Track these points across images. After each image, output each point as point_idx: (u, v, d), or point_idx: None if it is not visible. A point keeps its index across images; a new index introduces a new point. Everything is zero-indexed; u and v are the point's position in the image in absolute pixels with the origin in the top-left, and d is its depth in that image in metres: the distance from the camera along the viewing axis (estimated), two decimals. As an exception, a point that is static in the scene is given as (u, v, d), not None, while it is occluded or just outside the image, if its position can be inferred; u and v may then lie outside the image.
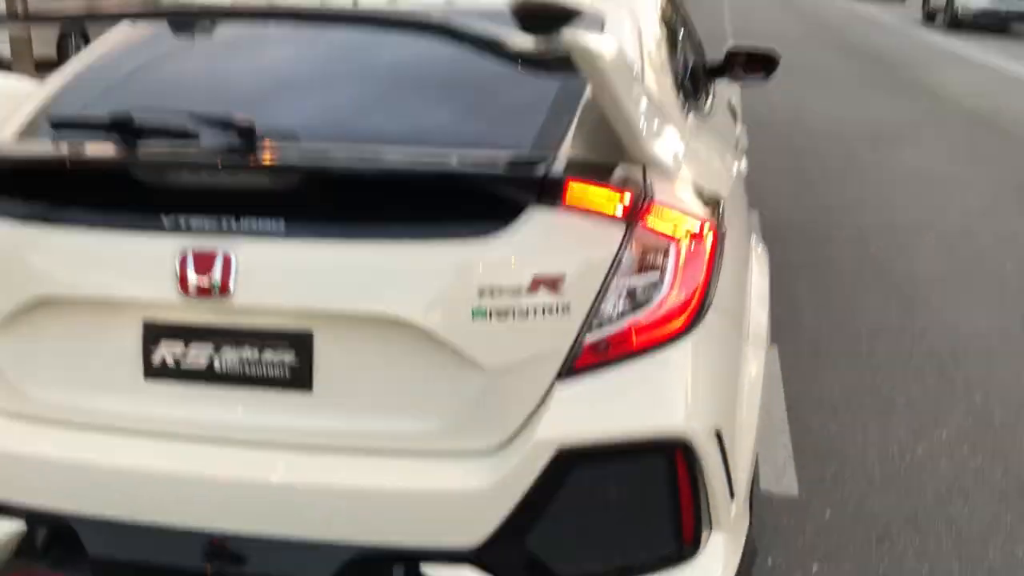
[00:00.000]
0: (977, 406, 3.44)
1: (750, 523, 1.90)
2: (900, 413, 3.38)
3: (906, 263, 5.01)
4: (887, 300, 4.48)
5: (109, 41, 2.27)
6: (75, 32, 11.85)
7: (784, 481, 2.91)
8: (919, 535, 2.66)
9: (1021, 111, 10.03)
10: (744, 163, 3.58)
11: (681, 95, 2.31)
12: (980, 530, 2.68)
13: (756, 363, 1.95)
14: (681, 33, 2.99)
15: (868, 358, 3.84)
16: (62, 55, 12.14)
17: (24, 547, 1.68)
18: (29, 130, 1.92)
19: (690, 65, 2.93)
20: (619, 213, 1.58)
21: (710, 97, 3.08)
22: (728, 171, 2.25)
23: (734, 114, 4.09)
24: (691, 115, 2.32)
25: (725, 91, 3.83)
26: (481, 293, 1.53)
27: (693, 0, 29.29)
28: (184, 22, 2.14)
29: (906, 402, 3.47)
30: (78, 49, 12.31)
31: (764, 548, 2.57)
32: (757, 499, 2.68)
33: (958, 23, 19.56)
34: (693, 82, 2.85)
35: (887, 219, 5.84)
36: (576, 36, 1.43)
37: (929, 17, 22.01)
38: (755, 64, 3.47)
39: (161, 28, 2.19)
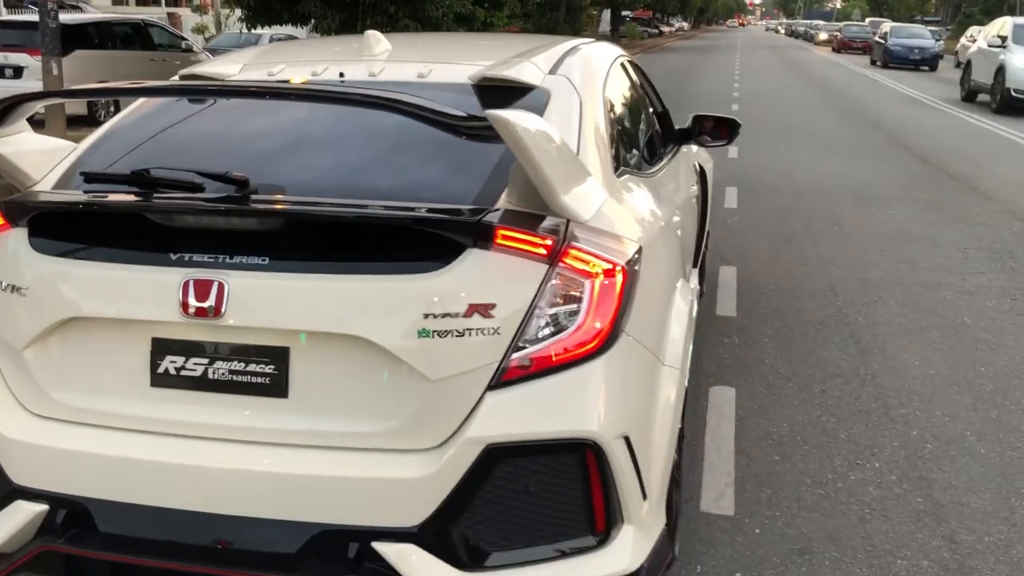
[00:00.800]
0: (912, 440, 3.73)
1: (669, 526, 2.20)
2: (839, 446, 3.67)
3: (869, 315, 5.32)
4: (845, 347, 4.79)
5: (132, 109, 2.73)
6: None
7: (722, 503, 3.21)
8: (837, 549, 2.94)
9: (1002, 175, 10.36)
10: (698, 209, 4.12)
11: (620, 160, 2.63)
12: (893, 546, 2.96)
13: (674, 387, 2.25)
14: (636, 109, 3.36)
15: (819, 398, 4.14)
16: (92, 112, 12.75)
17: (45, 526, 2.01)
18: (63, 182, 2.31)
19: (642, 133, 3.34)
20: (542, 254, 1.92)
21: (664, 160, 3.42)
22: (656, 223, 2.56)
23: (700, 173, 4.52)
24: (629, 176, 2.65)
25: (690, 154, 4.27)
26: (426, 317, 1.85)
27: (709, 65, 29.71)
28: (194, 96, 2.61)
29: (847, 437, 3.75)
30: (107, 107, 12.93)
31: (693, 558, 2.86)
32: (685, 514, 3.01)
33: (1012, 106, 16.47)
34: (648, 148, 3.29)
35: (858, 274, 6.16)
36: (498, 113, 1.80)
37: (969, 98, 18.92)
38: (721, 128, 3.92)
39: (176, 100, 2.66)
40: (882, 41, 33.47)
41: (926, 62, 31.37)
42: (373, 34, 2.92)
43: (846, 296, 5.66)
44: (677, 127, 3.95)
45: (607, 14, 59.56)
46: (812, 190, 9.17)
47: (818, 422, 3.89)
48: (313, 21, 15.54)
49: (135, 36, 14.31)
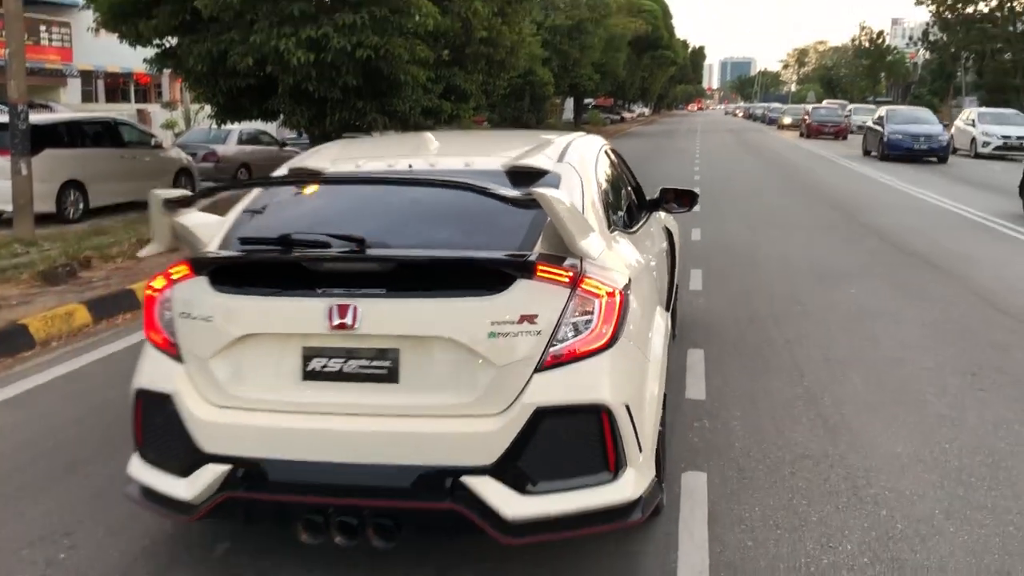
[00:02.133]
0: (882, 521, 3.75)
1: (658, 477, 3.19)
2: (811, 529, 3.68)
3: (835, 393, 5.39)
4: (813, 427, 4.83)
5: (254, 194, 3.67)
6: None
7: (698, 591, 3.19)
8: (813, 636, 2.92)
9: (957, 250, 10.63)
10: (665, 256, 5.19)
11: (610, 221, 3.67)
12: (868, 630, 2.95)
13: (657, 378, 3.28)
14: (617, 184, 4.48)
15: (789, 480, 4.16)
16: (60, 210, 12.75)
17: (228, 480, 2.89)
18: (224, 245, 3.26)
19: (623, 203, 4.48)
20: (566, 281, 2.88)
21: (640, 222, 4.47)
22: (638, 265, 3.58)
23: (669, 232, 5.68)
24: (617, 233, 3.68)
25: (659, 219, 5.36)
26: (492, 324, 2.80)
27: (670, 150, 30.32)
28: (306, 181, 3.59)
29: (818, 519, 3.77)
30: (75, 205, 12.94)
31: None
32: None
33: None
34: (628, 213, 4.42)
35: (823, 352, 6.25)
36: (542, 191, 2.83)
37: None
38: (683, 198, 5.10)
39: (305, 182, 3.61)
40: (878, 128, 28.15)
41: (934, 152, 26.32)
42: (426, 134, 4.27)
43: (812, 375, 5.74)
44: (649, 198, 5.03)
45: (570, 103, 61.01)
46: (776, 268, 9.34)
47: (790, 505, 3.90)
48: (282, 116, 15.78)
49: (105, 134, 14.44)
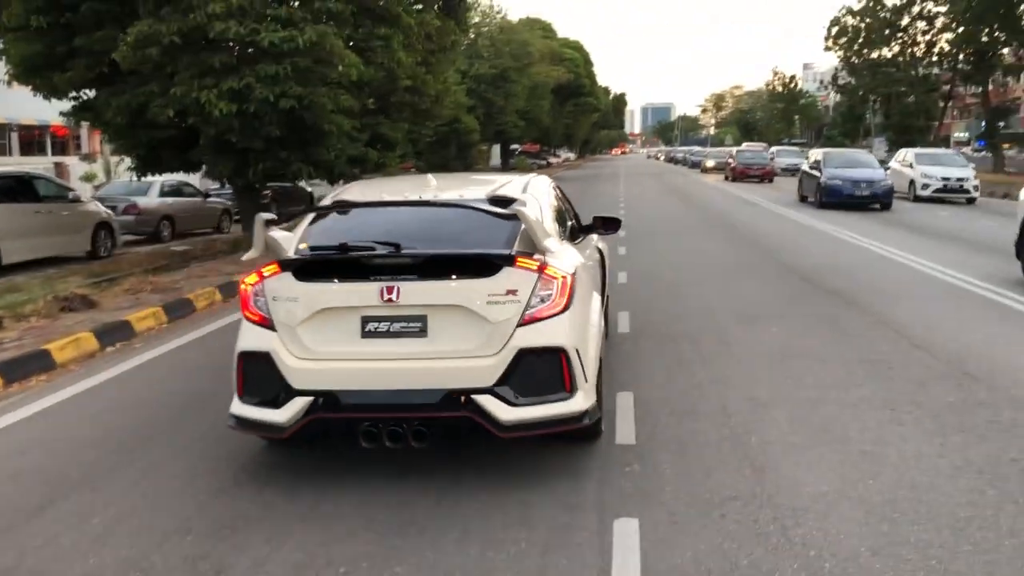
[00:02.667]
0: (811, 561, 3.79)
1: (598, 401, 4.80)
2: (743, 572, 3.70)
3: (761, 433, 5.46)
4: (741, 468, 4.88)
5: (310, 218, 5.21)
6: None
7: (632, 642, 3.15)
8: None
9: (876, 286, 10.97)
10: (600, 263, 7.05)
11: (562, 233, 5.56)
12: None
13: (595, 337, 4.91)
14: (562, 210, 6.32)
15: (719, 523, 4.18)
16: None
17: (311, 407, 4.37)
18: (298, 252, 4.73)
19: (568, 223, 6.27)
20: (535, 268, 4.42)
21: (580, 239, 6.30)
22: (580, 263, 5.21)
23: (599, 250, 7.36)
24: (566, 242, 5.45)
25: (593, 240, 7.05)
26: (489, 295, 4.34)
27: (594, 194, 30.49)
28: (356, 206, 5.18)
29: (749, 563, 3.78)
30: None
31: None
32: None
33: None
34: (571, 232, 6.18)
35: (748, 393, 6.34)
36: (520, 208, 4.62)
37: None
38: (609, 224, 6.78)
39: (348, 208, 5.19)
40: (814, 173, 25.86)
41: (877, 199, 24.02)
42: (429, 176, 6.31)
43: (738, 416, 5.81)
44: (584, 224, 6.80)
45: (497, 149, 61.63)
46: (700, 310, 9.49)
47: (720, 549, 3.91)
48: (205, 167, 15.56)
49: (18, 189, 14.03)
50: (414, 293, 4.43)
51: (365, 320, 4.47)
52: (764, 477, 4.75)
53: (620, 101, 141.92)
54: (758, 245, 15.80)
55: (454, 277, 4.45)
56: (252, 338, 4.61)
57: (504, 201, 4.83)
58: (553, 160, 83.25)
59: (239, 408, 4.68)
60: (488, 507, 4.43)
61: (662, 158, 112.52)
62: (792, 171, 46.32)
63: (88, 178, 30.61)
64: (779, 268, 12.89)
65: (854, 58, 55.77)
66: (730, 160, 44.28)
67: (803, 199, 27.02)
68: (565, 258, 4.89)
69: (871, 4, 52.84)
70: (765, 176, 40.30)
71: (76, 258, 14.96)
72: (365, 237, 4.68)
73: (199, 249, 16.28)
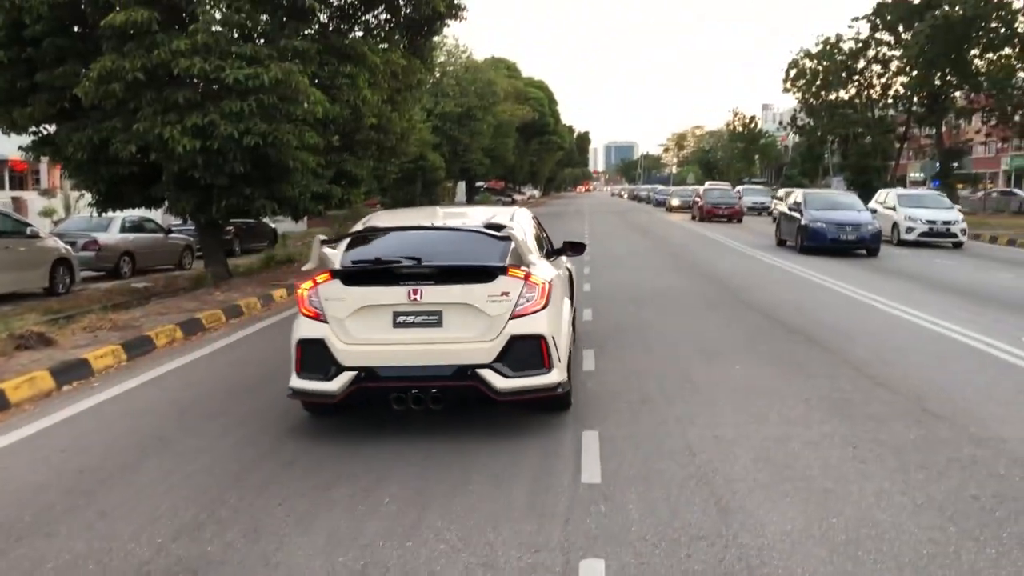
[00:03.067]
0: (776, 601, 3.78)
1: (568, 378, 6.47)
2: (709, 613, 3.67)
3: (726, 472, 5.46)
4: (706, 508, 4.87)
5: (346, 242, 6.75)
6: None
7: None
8: None
9: (837, 326, 11.11)
10: (568, 278, 8.63)
11: (540, 252, 7.27)
12: None
13: (565, 329, 6.67)
14: (540, 235, 8.05)
15: (686, 563, 4.17)
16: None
17: (355, 380, 6.00)
18: (343, 264, 6.33)
19: (544, 245, 7.91)
20: (522, 276, 6.13)
21: (553, 258, 7.85)
22: (555, 274, 6.83)
23: (568, 269, 8.89)
24: (544, 259, 7.10)
25: (563, 261, 8.45)
26: (489, 295, 6.03)
27: (559, 233, 30.52)
28: (383, 231, 6.91)
29: (715, 603, 3.76)
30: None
31: None
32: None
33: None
34: (547, 253, 7.78)
35: (712, 431, 6.36)
36: (512, 232, 6.52)
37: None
38: (576, 248, 8.39)
39: (377, 232, 6.89)
40: (794, 215, 23.69)
41: (863, 244, 21.85)
42: (436, 208, 9.26)
43: (703, 454, 5.82)
44: (556, 247, 8.38)
45: (462, 186, 61.88)
46: (665, 349, 9.53)
47: (687, 589, 3.89)
48: (167, 203, 15.41)
49: (-25, 224, 13.77)
50: (433, 294, 6.05)
51: (396, 314, 6.11)
52: (730, 516, 4.75)
53: (584, 139, 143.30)
54: (759, 308, 15.88)
55: (464, 282, 6.10)
56: (308, 329, 6.19)
57: (498, 227, 6.65)
58: (518, 197, 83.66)
59: (297, 382, 6.26)
60: (454, 551, 4.38)
61: (626, 196, 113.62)
62: (759, 210, 46.84)
63: (47, 213, 30.16)
64: (793, 337, 12.98)
65: (812, 100, 56.79)
66: (697, 199, 43.35)
67: (782, 243, 24.65)
68: (544, 270, 6.67)
69: (828, 48, 54.03)
70: (734, 216, 39.24)
71: (33, 294, 14.69)
72: (394, 253, 6.35)
73: (160, 286, 16.08)
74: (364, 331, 6.09)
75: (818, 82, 55.40)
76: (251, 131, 13.17)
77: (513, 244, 6.42)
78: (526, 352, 6.07)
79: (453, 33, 48.47)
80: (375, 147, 18.12)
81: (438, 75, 44.03)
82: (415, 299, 6.03)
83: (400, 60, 17.06)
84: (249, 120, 13.11)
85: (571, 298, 8.77)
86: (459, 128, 44.40)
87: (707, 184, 56.34)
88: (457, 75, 45.54)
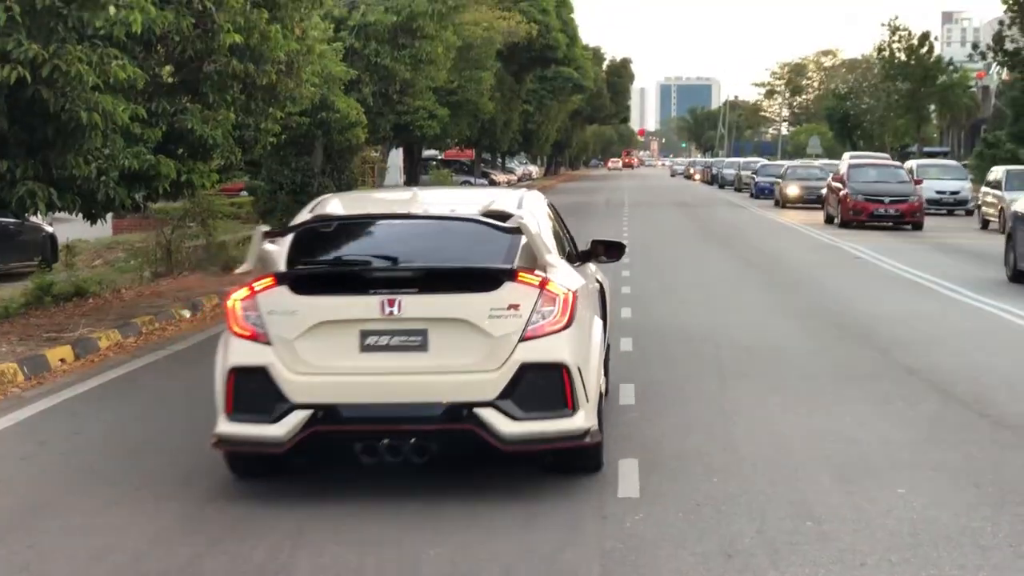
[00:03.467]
0: None
1: (599, 421, 8.68)
2: None
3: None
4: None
5: (291, 238, 8.80)
6: None
7: None
8: None
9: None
10: (600, 292, 11.01)
11: (562, 254, 9.58)
12: None
13: (597, 353, 8.97)
14: (558, 229, 10.34)
15: None
16: None
17: (311, 420, 7.84)
18: (289, 265, 8.37)
19: (565, 245, 10.32)
20: (536, 284, 8.13)
21: (580, 266, 10.05)
22: (581, 283, 9.06)
23: (600, 286, 11.14)
24: (566, 262, 9.46)
25: (591, 270, 10.62)
26: (491, 309, 7.99)
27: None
28: (343, 220, 9.23)
29: None
30: None
31: None
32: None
33: None
34: (569, 254, 10.23)
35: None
36: (523, 220, 8.55)
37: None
38: (612, 250, 10.66)
39: (333, 222, 9.14)
40: None
41: None
42: (413, 190, 15.34)
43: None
44: (582, 250, 10.40)
45: (397, 156, 62.06)
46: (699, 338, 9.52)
47: None
48: None
49: None
50: (415, 306, 7.77)
51: (364, 334, 7.82)
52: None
53: (621, 72, 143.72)
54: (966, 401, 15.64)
55: (457, 290, 7.92)
56: (244, 353, 7.85)
57: (502, 215, 8.42)
58: (501, 178, 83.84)
59: (227, 427, 7.93)
60: None
61: (698, 177, 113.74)
62: (945, 206, 47.95)
63: None
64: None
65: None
66: (837, 183, 41.99)
67: (1021, 275, 22.75)
68: (566, 275, 8.64)
69: None
70: (907, 216, 38.66)
71: None
72: (361, 251, 8.41)
73: None
74: (322, 356, 7.91)
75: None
76: (10, 58, 13.14)
77: (524, 239, 8.32)
78: (542, 386, 7.99)
79: None
80: (239, 87, 18.12)
81: (355, -43, 44.26)
82: (391, 312, 7.83)
83: (286, -72, 17.15)
84: (7, 37, 13.09)
85: (604, 317, 10.83)
86: (393, 53, 44.47)
87: (849, 156, 54.63)
88: (391, -45, 45.70)
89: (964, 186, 51.59)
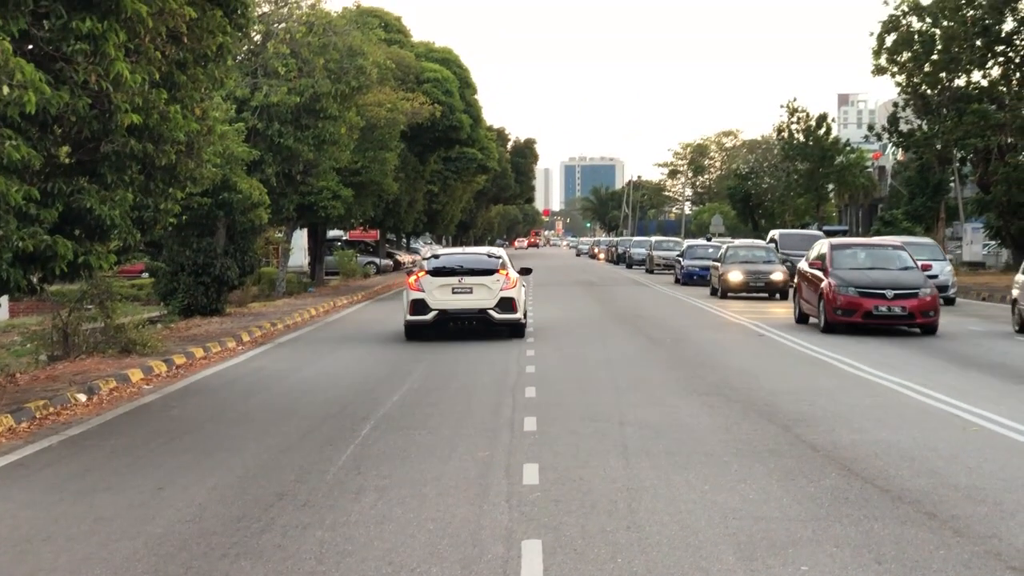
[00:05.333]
0: None
1: (524, 321, 35.14)
2: None
3: None
4: None
5: (428, 256, 38.68)
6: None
7: None
8: None
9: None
10: (521, 280, 35.85)
11: (512, 267, 36.77)
12: None
13: (522, 296, 36.45)
14: (511, 261, 39.56)
15: None
16: None
17: (439, 313, 33.94)
18: (430, 267, 36.05)
19: (514, 265, 38.50)
20: (505, 274, 34.98)
21: (517, 272, 36.71)
22: (517, 276, 35.90)
23: (523, 284, 36.52)
24: (515, 271, 36.20)
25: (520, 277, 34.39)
26: (492, 281, 34.33)
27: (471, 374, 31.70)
28: (441, 256, 38.17)
29: None
30: None
31: None
32: None
33: None
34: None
35: None
36: (502, 254, 38.20)
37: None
38: (526, 271, 39.50)
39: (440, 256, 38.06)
40: None
41: None
42: (466, 248, 64.45)
43: None
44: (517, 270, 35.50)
45: (301, 237, 61.83)
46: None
47: None
48: None
49: None
50: (468, 280, 31.15)
51: (453, 289, 31.04)
52: None
53: (525, 152, 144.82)
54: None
55: (484, 276, 31.35)
56: (416, 294, 30.96)
57: (496, 255, 34.13)
58: (405, 258, 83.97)
59: (409, 319, 31.20)
60: None
61: (602, 257, 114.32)
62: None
63: None
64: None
65: (925, 86, 58.14)
66: (814, 271, 32.42)
67: None
68: (514, 272, 32.55)
69: None
70: (919, 316, 29.82)
71: None
72: (449, 263, 32.78)
73: None
74: (440, 295, 30.04)
75: (934, 55, 56.80)
76: None
77: (502, 260, 31.74)
78: (507, 305, 30.06)
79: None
80: (138, 166, 17.97)
81: (258, 38, 44.29)
82: (460, 280, 30.08)
83: (187, 9, 17.10)
84: None
85: (524, 286, 34.67)
86: (296, 134, 44.49)
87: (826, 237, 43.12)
88: (294, 37, 45.78)
89: (944, 268, 41.70)
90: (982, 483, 11.53)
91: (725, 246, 54.71)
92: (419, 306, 32.45)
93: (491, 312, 32.44)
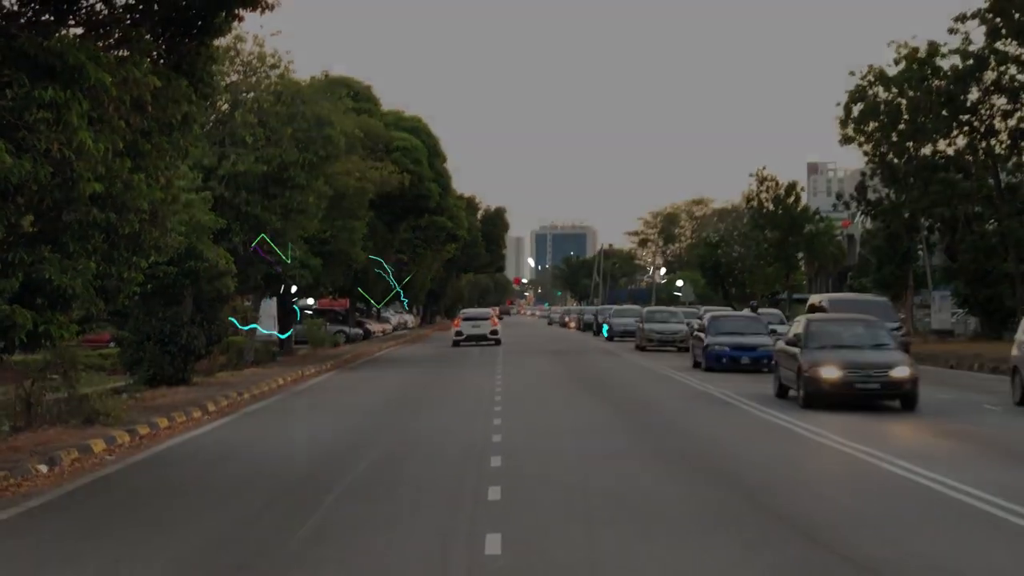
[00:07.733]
0: None
1: (499, 337, 79.08)
2: None
3: None
4: None
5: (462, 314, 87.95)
6: None
7: None
8: None
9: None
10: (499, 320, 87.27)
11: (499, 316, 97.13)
12: None
13: (500, 328, 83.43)
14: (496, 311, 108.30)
15: None
16: None
17: (464, 339, 78.41)
18: (463, 317, 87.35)
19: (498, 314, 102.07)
20: (496, 318, 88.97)
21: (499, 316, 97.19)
22: (498, 319, 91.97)
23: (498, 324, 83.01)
24: (497, 316, 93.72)
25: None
26: (489, 320, 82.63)
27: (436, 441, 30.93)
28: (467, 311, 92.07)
29: None
30: None
31: None
32: None
33: None
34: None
35: None
36: (495, 311, 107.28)
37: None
38: (503, 315, 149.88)
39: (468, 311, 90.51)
40: None
41: None
42: (476, 308, 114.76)
43: None
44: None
45: (269, 305, 61.70)
46: None
47: None
48: None
49: None
50: (478, 322, 76.47)
51: (472, 325, 75.30)
52: None
53: (496, 221, 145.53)
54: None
55: (484, 319, 78.33)
56: (458, 332, 74.67)
57: (487, 312, 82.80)
58: (376, 327, 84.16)
59: (455, 338, 73.96)
60: None
61: (572, 325, 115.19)
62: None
63: None
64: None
65: (892, 155, 58.51)
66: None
67: None
68: (496, 318, 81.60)
69: (914, 65, 55.13)
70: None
71: None
72: (468, 314, 79.73)
73: None
74: (467, 329, 73.93)
75: (901, 125, 57.17)
76: None
77: (495, 314, 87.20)
78: (494, 334, 73.86)
79: (257, 32, 47.98)
80: (101, 236, 17.92)
81: (225, 107, 44.29)
82: (475, 323, 74.95)
83: (151, 78, 17.11)
84: None
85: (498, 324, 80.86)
86: (263, 203, 44.40)
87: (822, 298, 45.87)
88: (261, 107, 45.74)
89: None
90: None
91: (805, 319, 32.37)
92: (458, 333, 71.89)
93: (488, 335, 70.57)
